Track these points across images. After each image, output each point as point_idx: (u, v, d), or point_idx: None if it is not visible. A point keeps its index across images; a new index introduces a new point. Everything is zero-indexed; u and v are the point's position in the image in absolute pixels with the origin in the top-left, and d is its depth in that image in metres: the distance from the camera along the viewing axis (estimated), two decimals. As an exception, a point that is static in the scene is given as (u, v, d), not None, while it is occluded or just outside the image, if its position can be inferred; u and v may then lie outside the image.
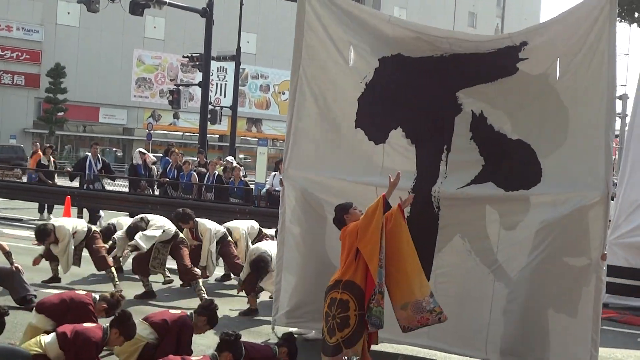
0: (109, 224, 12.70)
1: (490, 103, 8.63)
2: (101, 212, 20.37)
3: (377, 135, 8.99)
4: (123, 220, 12.42)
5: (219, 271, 12.73)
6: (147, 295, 11.08)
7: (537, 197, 8.28)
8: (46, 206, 20.74)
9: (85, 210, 20.38)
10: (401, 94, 8.95)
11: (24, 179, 28.29)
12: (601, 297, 8.22)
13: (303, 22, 9.23)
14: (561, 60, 8.30)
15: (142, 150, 22.60)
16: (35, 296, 9.77)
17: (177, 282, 11.77)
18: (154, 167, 22.03)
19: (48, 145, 25.60)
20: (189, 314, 7.77)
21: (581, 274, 8.12)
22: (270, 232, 12.34)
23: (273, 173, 20.73)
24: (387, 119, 8.97)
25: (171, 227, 11.25)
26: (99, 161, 21.03)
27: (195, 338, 7.87)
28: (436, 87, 8.82)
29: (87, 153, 22.23)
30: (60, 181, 24.19)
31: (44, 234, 10.97)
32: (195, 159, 25.58)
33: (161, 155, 26.40)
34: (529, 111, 8.53)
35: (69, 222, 11.54)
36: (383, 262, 7.51)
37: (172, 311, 7.96)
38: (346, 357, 7.36)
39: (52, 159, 22.33)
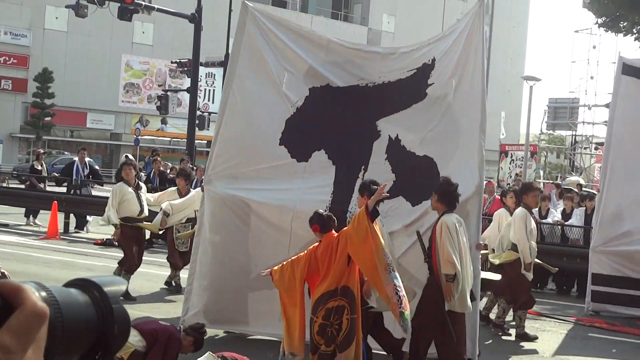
0: None
1: (404, 127, 9.68)
2: (89, 218, 20.30)
3: (300, 154, 9.80)
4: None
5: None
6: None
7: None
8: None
9: (72, 215, 20.30)
10: (327, 120, 9.92)
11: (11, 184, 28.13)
12: (479, 284, 9.10)
13: (241, 40, 9.96)
14: (454, 78, 9.38)
15: (129, 155, 22.49)
16: None
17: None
18: (140, 173, 21.95)
19: (42, 151, 25.52)
20: (178, 328, 7.73)
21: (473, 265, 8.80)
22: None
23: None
24: (311, 141, 9.86)
25: None
26: (87, 166, 20.95)
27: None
28: (359, 115, 9.86)
29: (74, 158, 22.14)
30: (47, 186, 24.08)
31: None
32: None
33: (148, 161, 26.33)
34: (435, 131, 9.55)
35: None
36: (393, 266, 7.64)
37: (162, 322, 7.93)
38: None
39: (44, 164, 22.28)
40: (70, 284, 1.21)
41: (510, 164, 43.37)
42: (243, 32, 9.97)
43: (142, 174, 22.07)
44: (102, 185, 26.21)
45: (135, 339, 7.38)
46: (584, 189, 28.07)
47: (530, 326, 11.28)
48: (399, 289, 7.47)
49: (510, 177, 40.74)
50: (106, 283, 1.21)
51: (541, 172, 46.81)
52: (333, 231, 7.96)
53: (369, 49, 10.68)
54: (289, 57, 9.99)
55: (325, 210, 8.81)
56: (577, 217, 16.03)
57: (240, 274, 9.63)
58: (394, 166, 9.60)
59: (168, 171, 20.79)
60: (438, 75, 9.54)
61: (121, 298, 1.20)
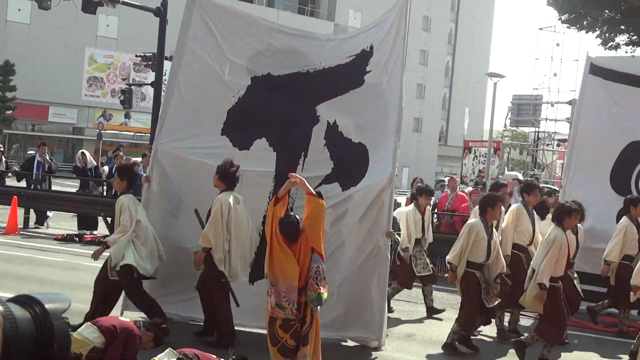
0: None
1: (341, 112, 9.90)
2: (49, 213, 20.09)
3: (242, 143, 9.92)
4: None
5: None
6: None
7: (358, 192, 9.43)
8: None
9: (32, 210, 20.09)
10: (268, 108, 10.03)
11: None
12: (387, 272, 9.60)
13: (187, 30, 10.06)
14: (388, 67, 9.72)
15: (85, 152, 22.18)
16: None
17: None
18: (104, 168, 21.80)
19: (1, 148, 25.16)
20: (138, 324, 7.65)
21: (382, 252, 9.37)
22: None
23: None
24: (253, 130, 9.97)
25: None
26: (47, 161, 20.74)
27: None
28: (300, 101, 10.00)
29: (33, 152, 21.90)
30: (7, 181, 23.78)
31: None
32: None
33: (111, 155, 26.11)
34: (370, 118, 9.86)
35: None
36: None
37: (122, 318, 7.86)
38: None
39: (3, 159, 21.98)
40: (13, 299, 1.18)
41: (473, 160, 43.58)
42: (189, 22, 10.05)
43: (105, 169, 21.95)
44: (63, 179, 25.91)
45: (94, 336, 7.30)
46: (545, 185, 28.40)
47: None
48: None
49: (474, 173, 40.98)
50: (49, 300, 1.18)
51: (505, 169, 47.11)
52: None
53: (312, 35, 10.70)
54: (232, 47, 10.08)
55: (269, 197, 9.19)
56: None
57: (175, 253, 9.71)
58: (332, 152, 9.84)
59: (130, 166, 20.58)
60: (375, 62, 9.81)
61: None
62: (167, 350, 7.24)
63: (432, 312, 12.09)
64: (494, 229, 9.99)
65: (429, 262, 12.40)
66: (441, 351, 9.85)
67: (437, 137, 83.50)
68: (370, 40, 9.94)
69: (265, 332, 7.93)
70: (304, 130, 9.93)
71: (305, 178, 9.37)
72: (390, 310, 11.41)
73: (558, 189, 20.23)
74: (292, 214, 7.94)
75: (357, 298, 9.52)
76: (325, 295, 7.56)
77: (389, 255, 9.78)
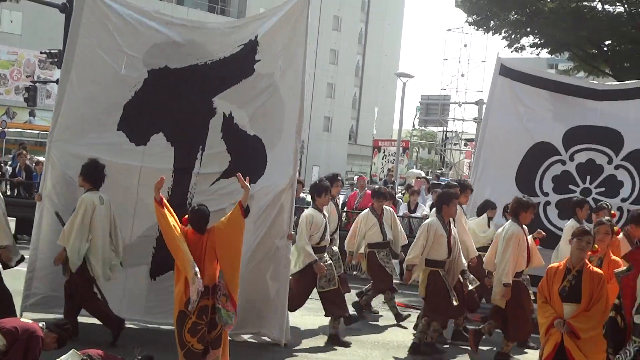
0: None
1: (236, 104, 9.89)
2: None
3: (139, 138, 9.79)
4: None
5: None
6: None
7: (259, 190, 9.43)
8: None
9: None
10: (166, 102, 9.89)
11: None
12: (288, 273, 9.67)
13: (79, 24, 9.84)
14: (281, 59, 9.75)
15: None
16: None
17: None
18: (7, 167, 21.24)
19: None
20: (41, 325, 7.46)
21: (281, 254, 9.48)
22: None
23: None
24: (150, 124, 9.84)
25: None
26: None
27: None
28: (197, 94, 9.93)
29: None
30: None
31: None
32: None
33: (14, 154, 25.44)
34: (262, 108, 9.87)
35: None
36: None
37: (23, 319, 7.66)
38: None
39: None
40: None
41: (382, 159, 44.04)
42: (80, 18, 9.82)
43: (8, 168, 21.37)
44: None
45: None
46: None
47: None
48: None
49: (383, 172, 41.41)
50: None
51: (413, 168, 47.74)
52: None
53: (209, 27, 10.63)
54: (128, 41, 9.90)
55: (168, 193, 9.23)
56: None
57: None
58: (229, 145, 9.84)
59: (34, 165, 20.11)
60: (264, 52, 9.83)
61: None
62: (71, 351, 7.11)
63: (399, 318, 12.07)
64: (452, 226, 10.11)
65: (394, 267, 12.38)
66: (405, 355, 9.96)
67: (347, 136, 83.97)
68: (256, 31, 9.91)
69: (171, 328, 7.87)
70: (202, 123, 9.90)
71: (204, 174, 9.66)
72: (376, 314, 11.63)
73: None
74: (204, 205, 7.96)
75: (255, 297, 9.57)
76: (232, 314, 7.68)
77: (288, 255, 9.83)
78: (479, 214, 12.11)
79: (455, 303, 9.84)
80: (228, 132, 9.86)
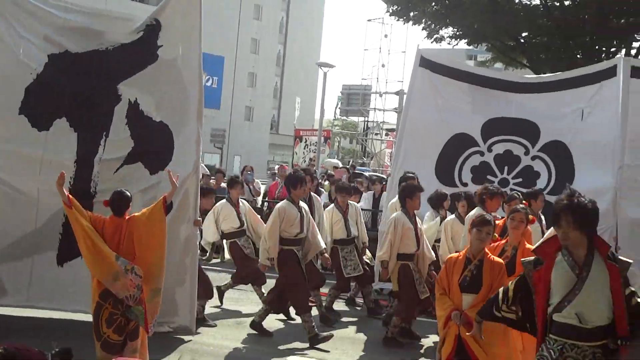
0: None
1: (141, 90, 9.79)
2: None
3: (41, 122, 9.57)
4: None
5: None
6: None
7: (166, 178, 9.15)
8: None
9: None
10: (68, 86, 9.71)
11: None
12: (197, 261, 9.71)
13: None
14: (180, 45, 9.75)
15: None
16: None
17: None
18: None
19: None
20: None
21: (186, 244, 9.45)
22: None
23: None
24: (53, 109, 9.62)
25: None
26: None
27: None
28: (100, 80, 9.78)
29: None
30: None
31: None
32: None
33: None
34: (167, 94, 9.80)
35: None
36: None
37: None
38: None
39: None
40: None
41: (304, 148, 44.00)
42: None
43: None
44: None
45: None
46: (373, 173, 29.05)
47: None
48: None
49: (305, 161, 41.38)
50: None
51: (335, 157, 47.89)
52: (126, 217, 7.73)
53: (108, 13, 10.58)
54: (25, 25, 9.71)
55: (70, 182, 9.08)
56: (366, 201, 16.46)
57: None
58: (132, 131, 9.74)
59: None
60: (166, 38, 9.79)
61: None
62: None
63: (372, 312, 12.00)
64: (417, 218, 10.16)
65: (360, 262, 11.99)
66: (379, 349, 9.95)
67: (268, 125, 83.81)
68: (155, 15, 9.85)
69: (89, 319, 7.70)
70: (106, 109, 9.75)
71: (107, 160, 9.56)
72: (336, 315, 11.60)
73: (386, 177, 20.69)
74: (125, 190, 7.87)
75: (166, 287, 9.42)
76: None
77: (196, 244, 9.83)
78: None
79: (421, 297, 9.93)
80: (133, 118, 9.74)
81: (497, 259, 7.14)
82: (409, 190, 10.19)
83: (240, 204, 11.95)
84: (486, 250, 7.07)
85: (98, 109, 9.76)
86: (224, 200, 11.94)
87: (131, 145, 9.68)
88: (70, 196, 7.58)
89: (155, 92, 9.83)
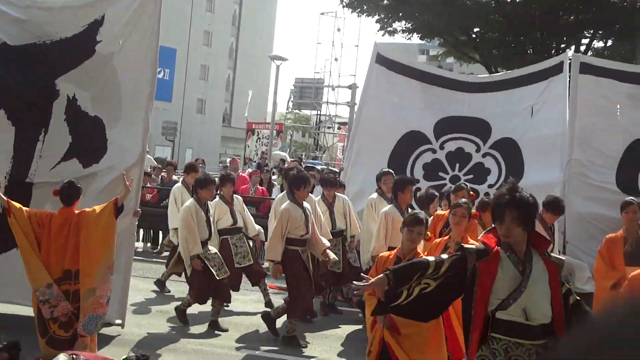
0: None
1: (79, 85, 9.67)
2: None
3: None
4: None
5: None
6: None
7: (103, 169, 9.40)
8: None
9: None
10: (6, 79, 9.49)
11: None
12: (132, 252, 9.72)
13: None
14: (123, 38, 9.63)
15: None
16: None
17: None
18: None
19: None
20: None
21: (123, 235, 9.20)
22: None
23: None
24: None
25: None
26: None
27: None
28: (39, 74, 9.61)
29: None
30: None
31: None
32: None
33: None
34: (103, 89, 9.71)
35: None
36: (113, 269, 7.84)
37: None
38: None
39: None
40: None
41: (257, 142, 43.93)
42: None
43: None
44: None
45: None
46: (325, 167, 29.07)
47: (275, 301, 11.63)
48: (109, 293, 7.67)
49: (257, 155, 41.29)
50: None
51: (287, 151, 47.85)
52: (75, 210, 7.65)
53: (44, 5, 10.32)
54: None
55: (6, 177, 9.00)
56: (318, 194, 16.43)
57: None
58: (71, 127, 9.64)
59: None
60: (106, 32, 9.67)
61: None
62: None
63: (331, 308, 11.86)
64: (409, 212, 9.94)
65: (343, 258, 11.68)
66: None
67: (220, 118, 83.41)
68: (103, 10, 9.70)
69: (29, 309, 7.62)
70: (45, 105, 9.62)
71: (45, 157, 9.43)
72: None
73: (338, 171, 20.70)
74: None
75: None
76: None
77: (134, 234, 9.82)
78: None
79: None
80: (71, 115, 9.62)
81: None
82: (400, 185, 10.12)
83: (235, 200, 11.57)
84: (418, 250, 6.77)
85: (36, 105, 9.62)
86: (217, 198, 11.24)
87: (69, 141, 9.57)
88: (10, 202, 7.48)
89: (92, 88, 9.70)
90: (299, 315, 9.81)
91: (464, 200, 8.38)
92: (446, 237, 7.90)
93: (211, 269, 10.02)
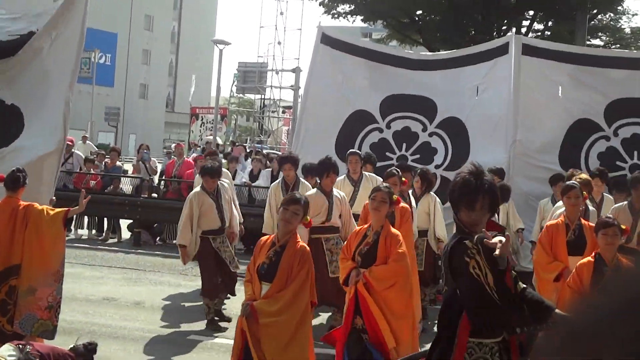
0: None
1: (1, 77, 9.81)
2: None
3: None
4: None
5: None
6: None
7: (12, 152, 9.41)
8: None
9: None
10: None
11: None
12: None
13: None
14: (50, 34, 9.77)
15: None
16: None
17: None
18: None
19: None
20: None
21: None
22: None
23: None
24: None
25: None
26: None
27: None
28: None
29: None
30: None
31: None
32: None
33: None
34: (26, 80, 9.80)
35: None
36: (62, 280, 7.65)
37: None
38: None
39: None
40: None
41: (201, 127, 43.51)
42: None
43: None
44: None
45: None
46: (271, 151, 29.04)
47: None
48: (56, 300, 7.48)
49: (201, 139, 41.00)
50: None
51: (231, 135, 47.61)
52: (20, 199, 7.50)
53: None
54: None
55: None
56: (264, 178, 16.42)
57: None
58: None
59: None
60: (40, 34, 9.84)
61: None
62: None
63: None
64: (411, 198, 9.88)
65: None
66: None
67: (164, 103, 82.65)
68: (37, 24, 9.93)
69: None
70: None
71: None
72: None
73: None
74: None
75: None
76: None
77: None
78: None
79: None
80: None
81: (302, 244, 6.29)
82: (319, 169, 9.83)
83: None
84: (297, 237, 6.34)
85: None
86: (199, 188, 10.41)
87: None
88: None
89: (12, 78, 9.82)
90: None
91: (385, 184, 7.82)
92: (366, 225, 7.35)
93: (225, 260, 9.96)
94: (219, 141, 30.51)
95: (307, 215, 6.47)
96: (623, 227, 7.34)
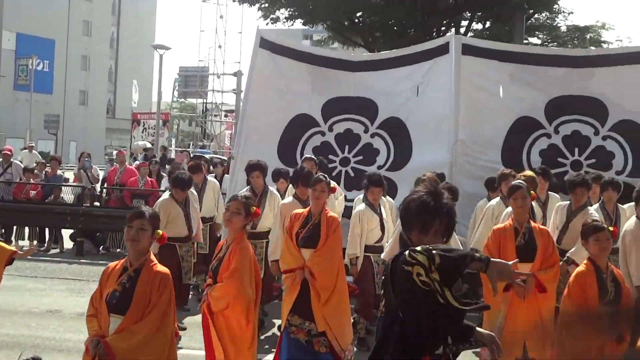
0: None
1: None
2: None
3: None
4: None
5: None
6: None
7: None
8: None
9: None
10: None
11: None
12: None
13: None
14: None
15: None
16: None
17: None
18: None
19: None
20: None
21: None
22: None
23: None
24: None
25: None
26: None
27: None
28: None
29: None
30: None
31: None
32: None
33: None
34: None
35: None
36: None
37: None
38: None
39: None
40: None
41: (143, 132, 43.17)
42: None
43: None
44: None
45: None
46: (215, 155, 28.86)
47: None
48: None
49: (145, 145, 40.65)
50: None
51: (173, 140, 47.26)
52: None
53: None
54: None
55: None
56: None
57: None
58: None
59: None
60: None
61: None
62: None
63: None
64: (381, 208, 9.54)
65: None
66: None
67: (104, 109, 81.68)
68: None
69: None
70: None
71: None
72: None
73: (227, 159, 20.56)
74: None
75: None
76: None
77: None
78: None
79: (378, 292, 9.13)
80: None
81: (161, 268, 5.37)
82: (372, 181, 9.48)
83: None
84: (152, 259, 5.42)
85: None
86: (168, 196, 9.99)
87: None
88: None
89: None
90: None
91: (321, 173, 8.46)
92: (306, 210, 7.98)
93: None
94: (147, 144, 30.08)
95: (158, 230, 5.53)
96: (611, 228, 7.01)
